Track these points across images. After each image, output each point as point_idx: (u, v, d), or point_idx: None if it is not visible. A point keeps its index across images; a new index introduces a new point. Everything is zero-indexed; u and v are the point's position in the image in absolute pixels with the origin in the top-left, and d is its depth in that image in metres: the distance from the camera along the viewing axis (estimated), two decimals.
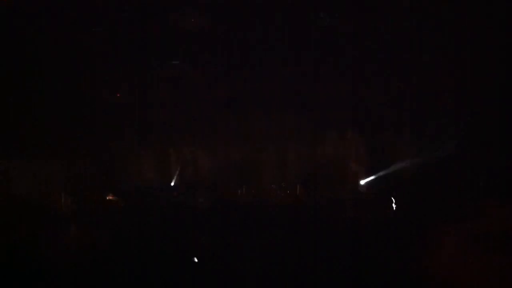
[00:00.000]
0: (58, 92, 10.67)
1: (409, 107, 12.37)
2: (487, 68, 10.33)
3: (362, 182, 13.68)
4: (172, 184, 14.07)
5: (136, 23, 9.36)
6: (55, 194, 8.87)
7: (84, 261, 5.06)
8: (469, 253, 3.22)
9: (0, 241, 4.19)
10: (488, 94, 10.78)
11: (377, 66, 10.95)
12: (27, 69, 9.89)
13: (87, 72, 10.62)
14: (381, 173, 13.23)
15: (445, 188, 11.10)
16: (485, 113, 10.95)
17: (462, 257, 3.19)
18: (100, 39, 9.47)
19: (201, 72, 11.41)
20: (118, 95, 11.93)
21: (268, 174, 14.40)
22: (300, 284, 5.21)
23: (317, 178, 13.61)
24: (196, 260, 6.06)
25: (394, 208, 6.82)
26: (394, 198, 8.51)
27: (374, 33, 9.82)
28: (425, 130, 12.74)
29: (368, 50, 10.50)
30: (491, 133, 10.84)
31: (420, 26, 9.46)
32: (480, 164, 11.14)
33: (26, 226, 4.59)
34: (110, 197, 8.53)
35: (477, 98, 10.96)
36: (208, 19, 9.45)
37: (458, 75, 10.81)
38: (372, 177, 13.43)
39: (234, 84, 12.06)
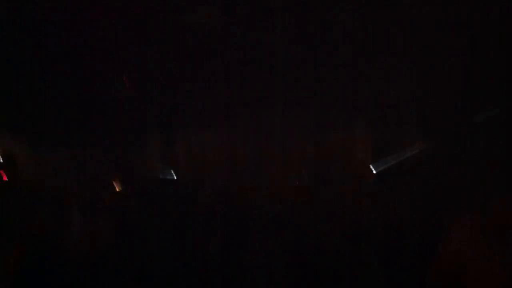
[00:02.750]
0: (67, 85, 10.73)
1: (416, 101, 12.36)
2: (491, 66, 10.25)
3: (371, 174, 13.70)
4: (179, 177, 14.14)
5: (150, 20, 9.37)
6: (63, 183, 8.91)
7: (91, 255, 5.06)
8: (479, 246, 3.17)
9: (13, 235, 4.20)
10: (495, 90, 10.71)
11: (383, 59, 10.92)
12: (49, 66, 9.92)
13: (101, 67, 10.66)
14: (389, 165, 13.24)
15: (452, 181, 11.07)
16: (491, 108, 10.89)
17: (473, 250, 3.14)
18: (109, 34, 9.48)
19: (212, 67, 11.39)
20: (126, 87, 11.97)
21: (278, 169, 14.41)
22: (312, 283, 5.21)
23: (327, 172, 13.63)
24: (203, 257, 6.06)
25: (402, 201, 6.81)
26: (402, 191, 8.49)
27: (383, 29, 9.77)
28: (431, 122, 12.72)
29: (376, 45, 10.45)
30: (497, 127, 10.78)
31: (436, 25, 9.39)
32: (487, 157, 11.09)
33: (34, 216, 4.60)
34: (116, 189, 8.54)
35: (484, 93, 10.90)
36: (217, 16, 9.43)
37: (464, 70, 10.75)
38: (380, 170, 13.45)
39: (244, 80, 12.06)
